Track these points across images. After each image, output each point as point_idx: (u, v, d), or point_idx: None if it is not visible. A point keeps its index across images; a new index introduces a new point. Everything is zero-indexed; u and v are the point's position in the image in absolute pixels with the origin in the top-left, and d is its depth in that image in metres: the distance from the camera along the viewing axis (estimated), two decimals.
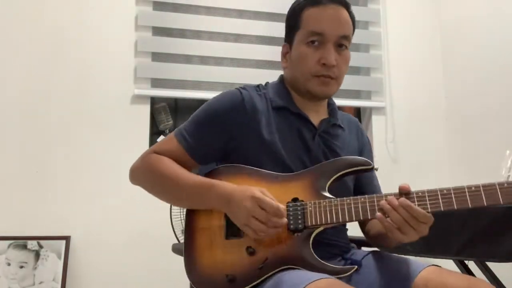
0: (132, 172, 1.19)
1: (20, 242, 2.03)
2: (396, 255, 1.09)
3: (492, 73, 2.33)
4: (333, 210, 0.99)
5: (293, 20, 1.17)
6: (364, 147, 1.28)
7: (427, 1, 2.79)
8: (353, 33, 1.18)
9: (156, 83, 2.37)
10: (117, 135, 2.25)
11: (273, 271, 0.98)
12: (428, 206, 0.93)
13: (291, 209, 1.02)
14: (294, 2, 1.19)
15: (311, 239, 1.00)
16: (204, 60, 2.45)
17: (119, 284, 2.12)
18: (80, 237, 2.12)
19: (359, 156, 1.22)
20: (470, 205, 0.90)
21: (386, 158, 2.56)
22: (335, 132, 1.20)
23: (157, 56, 2.39)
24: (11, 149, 2.13)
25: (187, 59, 2.43)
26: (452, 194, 0.92)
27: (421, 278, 0.95)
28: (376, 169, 1.07)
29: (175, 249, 1.49)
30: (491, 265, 1.60)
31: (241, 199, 0.99)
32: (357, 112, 2.73)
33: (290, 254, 0.99)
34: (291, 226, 1.00)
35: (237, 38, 2.51)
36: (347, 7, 1.16)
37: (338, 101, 2.56)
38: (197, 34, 2.46)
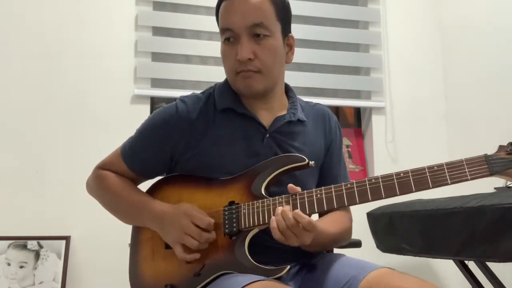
0: (86, 186, 1.21)
1: (20, 242, 2.02)
2: (352, 257, 1.03)
3: (492, 73, 2.33)
4: (265, 211, 0.96)
5: (217, 19, 1.13)
6: (333, 142, 1.18)
7: (427, 1, 2.79)
8: (277, 12, 1.06)
9: (156, 83, 2.36)
10: (117, 135, 2.20)
11: (211, 277, 0.95)
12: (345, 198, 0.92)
13: (226, 213, 0.99)
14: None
15: (246, 241, 0.96)
16: (204, 60, 2.44)
17: (119, 284, 2.11)
18: (80, 237, 2.12)
19: (326, 152, 1.16)
20: (398, 193, 0.92)
21: (386, 158, 2.56)
22: (293, 129, 1.11)
23: (157, 56, 2.38)
24: (11, 149, 2.12)
25: (187, 59, 2.43)
26: (380, 182, 0.92)
27: (366, 281, 0.89)
28: (312, 165, 1.00)
29: None
30: (491, 265, 1.60)
31: (175, 216, 0.98)
32: (357, 112, 2.73)
33: (226, 259, 0.96)
34: (226, 230, 0.97)
35: None
36: None
37: (338, 101, 2.61)
38: (197, 34, 2.45)
